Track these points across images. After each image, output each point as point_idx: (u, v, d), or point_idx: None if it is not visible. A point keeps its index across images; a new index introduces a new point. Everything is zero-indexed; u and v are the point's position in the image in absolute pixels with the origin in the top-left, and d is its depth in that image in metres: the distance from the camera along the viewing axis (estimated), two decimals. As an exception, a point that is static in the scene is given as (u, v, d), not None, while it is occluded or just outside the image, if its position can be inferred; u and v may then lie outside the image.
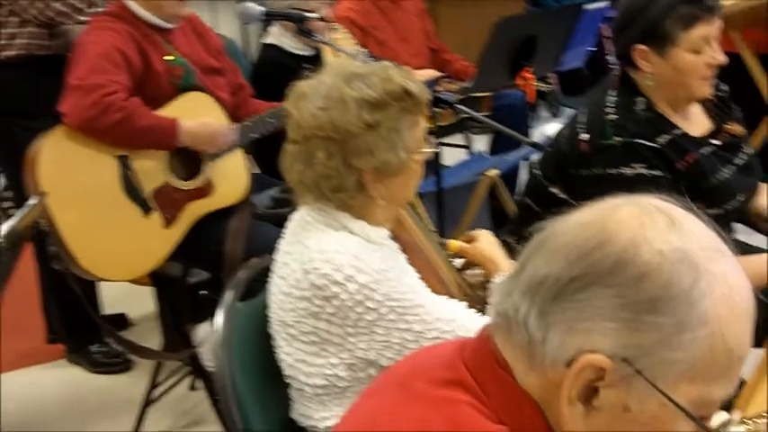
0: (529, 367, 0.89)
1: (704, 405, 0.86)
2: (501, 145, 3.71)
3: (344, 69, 1.59)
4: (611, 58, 2.37)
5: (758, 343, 1.09)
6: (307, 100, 1.56)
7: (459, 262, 1.87)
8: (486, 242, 1.80)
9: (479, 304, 1.65)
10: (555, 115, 4.58)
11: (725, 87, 2.19)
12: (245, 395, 1.57)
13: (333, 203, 1.58)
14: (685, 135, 2.03)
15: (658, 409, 0.85)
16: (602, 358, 0.84)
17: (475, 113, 2.61)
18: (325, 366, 1.57)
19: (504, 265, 1.75)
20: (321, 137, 1.54)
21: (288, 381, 1.63)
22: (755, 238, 2.32)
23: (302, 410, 1.63)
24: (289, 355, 1.60)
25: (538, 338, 0.87)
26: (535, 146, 2.56)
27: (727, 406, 1.23)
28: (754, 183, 2.16)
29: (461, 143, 4.11)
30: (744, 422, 1.57)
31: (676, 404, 0.84)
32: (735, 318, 0.85)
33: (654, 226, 0.86)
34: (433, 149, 1.82)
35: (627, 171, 1.97)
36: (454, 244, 1.82)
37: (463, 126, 4.00)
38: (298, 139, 1.58)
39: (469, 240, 1.82)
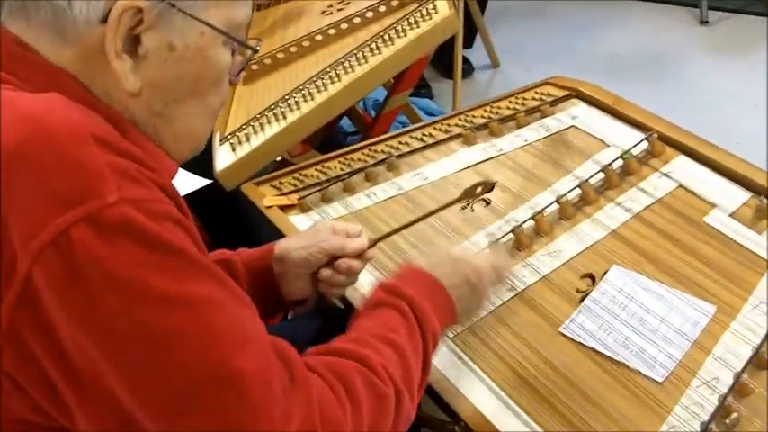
0: (61, 42, 0.87)
1: (234, 27, 0.92)
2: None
3: None
4: None
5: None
6: None
7: None
8: None
9: None
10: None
11: None
12: None
13: None
14: None
15: (199, 39, 0.89)
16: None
17: None
18: None
19: None
20: None
21: None
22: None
23: None
24: None
25: (63, 6, 0.85)
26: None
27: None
28: None
29: None
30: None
31: (213, 26, 0.89)
32: None
33: None
34: None
35: None
36: None
37: None
38: None
39: None
